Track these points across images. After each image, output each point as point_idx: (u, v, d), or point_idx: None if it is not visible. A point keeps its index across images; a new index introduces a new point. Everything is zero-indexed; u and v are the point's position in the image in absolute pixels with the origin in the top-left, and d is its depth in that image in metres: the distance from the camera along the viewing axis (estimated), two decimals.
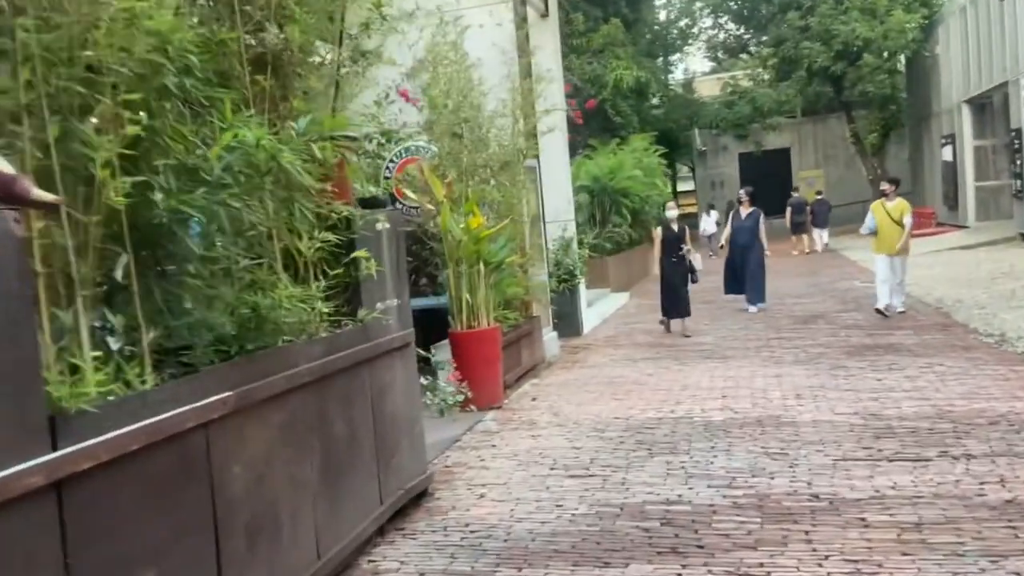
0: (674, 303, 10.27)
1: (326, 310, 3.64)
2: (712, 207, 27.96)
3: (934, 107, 27.15)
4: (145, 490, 2.53)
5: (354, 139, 4.38)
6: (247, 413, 3.03)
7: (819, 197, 24.40)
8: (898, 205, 10.29)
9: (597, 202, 15.83)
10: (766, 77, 32.79)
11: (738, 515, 4.17)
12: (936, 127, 27.21)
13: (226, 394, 2.87)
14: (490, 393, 6.97)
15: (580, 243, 11.47)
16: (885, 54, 27.20)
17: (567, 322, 10.73)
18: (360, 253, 3.81)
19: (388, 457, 4.29)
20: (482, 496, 4.74)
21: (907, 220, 10.23)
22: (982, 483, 4.34)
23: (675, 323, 10.49)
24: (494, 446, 5.80)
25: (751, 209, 11.76)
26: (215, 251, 2.91)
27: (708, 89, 37.37)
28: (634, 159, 17.40)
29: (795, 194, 25.38)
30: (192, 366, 2.90)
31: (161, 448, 2.57)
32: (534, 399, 7.28)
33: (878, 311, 10.25)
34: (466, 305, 6.90)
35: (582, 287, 11.18)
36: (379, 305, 4.30)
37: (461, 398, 5.11)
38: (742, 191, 12.41)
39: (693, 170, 41.48)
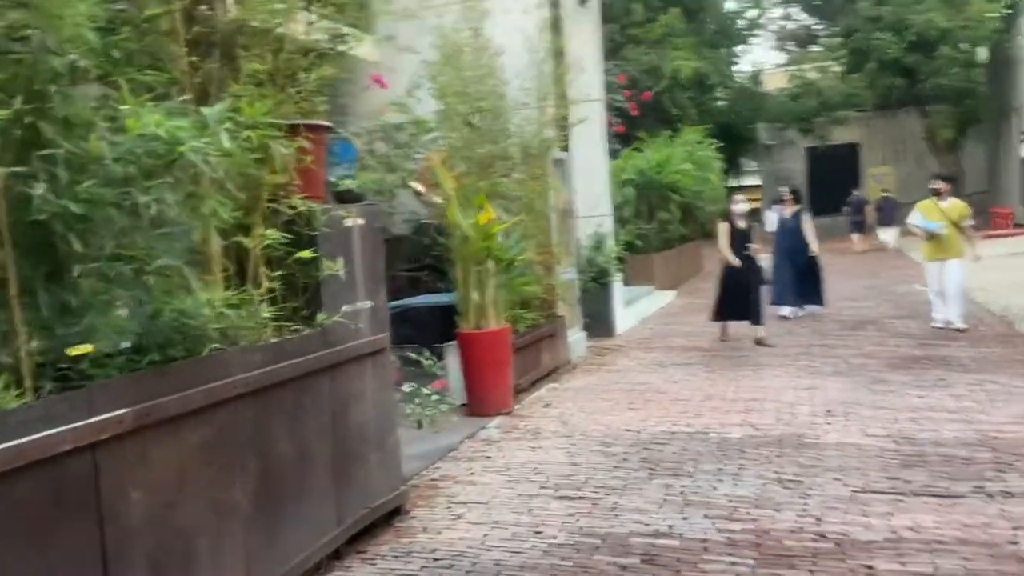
0: (734, 305, 9.20)
1: (266, 315, 3.33)
2: (776, 203, 27.15)
3: (1014, 102, 25.60)
4: (6, 523, 2.25)
5: (326, 129, 4.06)
6: (153, 432, 2.74)
7: (885, 195, 23.44)
8: (955, 206, 9.29)
9: (644, 197, 15.27)
10: (836, 69, 31.48)
11: (730, 554, 3.73)
12: (1016, 123, 25.66)
13: (121, 411, 2.59)
14: (499, 398, 6.62)
15: (617, 239, 10.97)
16: (963, 46, 25.75)
17: (599, 322, 10.28)
18: (305, 253, 3.48)
19: (350, 473, 3.98)
20: (459, 517, 4.39)
21: (968, 223, 9.31)
22: (1016, 528, 3.80)
23: (732, 327, 9.49)
24: (489, 457, 5.45)
25: (796, 208, 11.00)
26: (117, 250, 2.62)
27: (776, 82, 36.11)
28: (685, 152, 16.75)
29: (855, 192, 24.56)
30: (91, 379, 2.63)
31: (28, 474, 2.30)
32: (547, 405, 6.90)
33: (938, 329, 9.24)
34: (474, 304, 6.55)
35: (617, 285, 10.72)
36: (346, 308, 3.98)
37: (446, 408, 4.73)
38: (783, 189, 11.67)
39: (758, 165, 40.32)
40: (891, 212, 22.73)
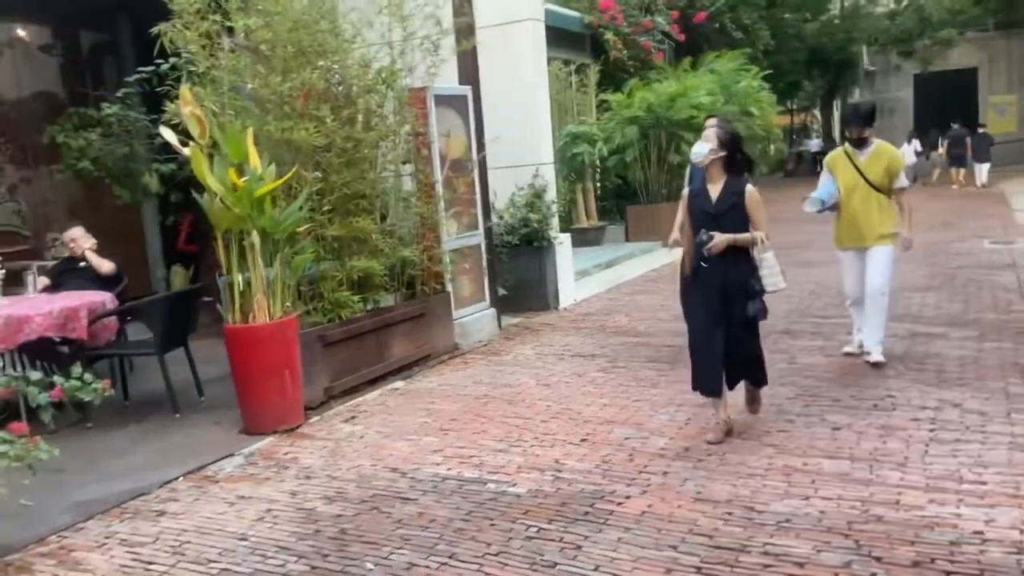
0: (708, 357, 4.42)
1: None
2: (914, 136, 24.99)
3: None
4: None
5: None
6: None
7: (981, 131, 21.11)
8: (879, 156, 5.51)
9: (653, 137, 13.12)
10: None
11: None
12: None
13: None
14: (279, 411, 5.14)
15: (561, 193, 9.12)
16: None
17: (531, 293, 8.58)
18: None
19: None
20: None
21: (901, 183, 5.53)
22: None
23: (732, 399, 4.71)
24: (161, 515, 3.99)
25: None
26: None
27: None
28: (713, 83, 14.32)
29: (955, 126, 22.09)
30: None
31: None
32: (351, 419, 5.36)
33: (848, 354, 5.91)
34: (240, 291, 5.05)
35: (563, 248, 8.90)
36: None
37: (18, 464, 3.21)
38: (714, 119, 5.63)
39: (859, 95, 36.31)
40: (985, 148, 20.86)
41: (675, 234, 4.64)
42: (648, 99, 13.16)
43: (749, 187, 4.32)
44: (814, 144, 33.09)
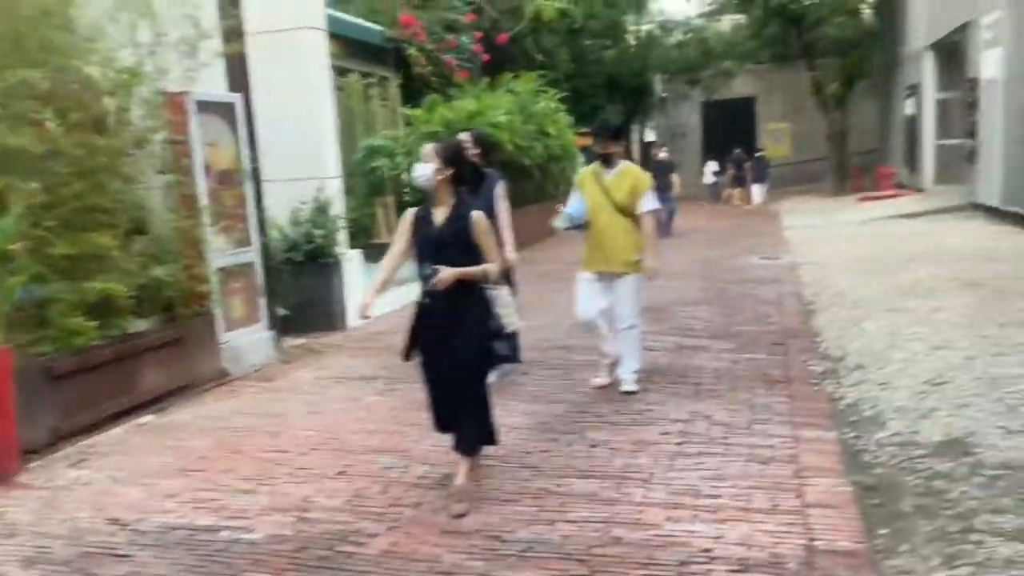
0: (442, 404, 4.10)
1: None
2: (711, 158, 27.51)
3: (900, 53, 24.14)
4: None
5: None
6: None
7: (759, 154, 23.99)
8: (624, 176, 5.37)
9: None
10: (736, 17, 29.68)
11: None
12: (902, 76, 24.27)
13: None
14: None
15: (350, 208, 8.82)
16: None
17: (318, 312, 8.16)
18: None
19: None
20: None
21: (645, 206, 5.35)
22: None
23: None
24: None
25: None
26: None
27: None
28: (511, 102, 14.57)
29: (736, 150, 24.70)
30: None
31: None
32: (79, 462, 4.73)
33: (601, 386, 5.62)
34: None
35: (352, 265, 8.56)
36: None
37: None
38: (464, 136, 5.80)
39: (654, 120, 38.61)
40: (763, 170, 23.60)
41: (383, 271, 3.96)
42: (447, 115, 13.13)
43: (475, 213, 3.83)
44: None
